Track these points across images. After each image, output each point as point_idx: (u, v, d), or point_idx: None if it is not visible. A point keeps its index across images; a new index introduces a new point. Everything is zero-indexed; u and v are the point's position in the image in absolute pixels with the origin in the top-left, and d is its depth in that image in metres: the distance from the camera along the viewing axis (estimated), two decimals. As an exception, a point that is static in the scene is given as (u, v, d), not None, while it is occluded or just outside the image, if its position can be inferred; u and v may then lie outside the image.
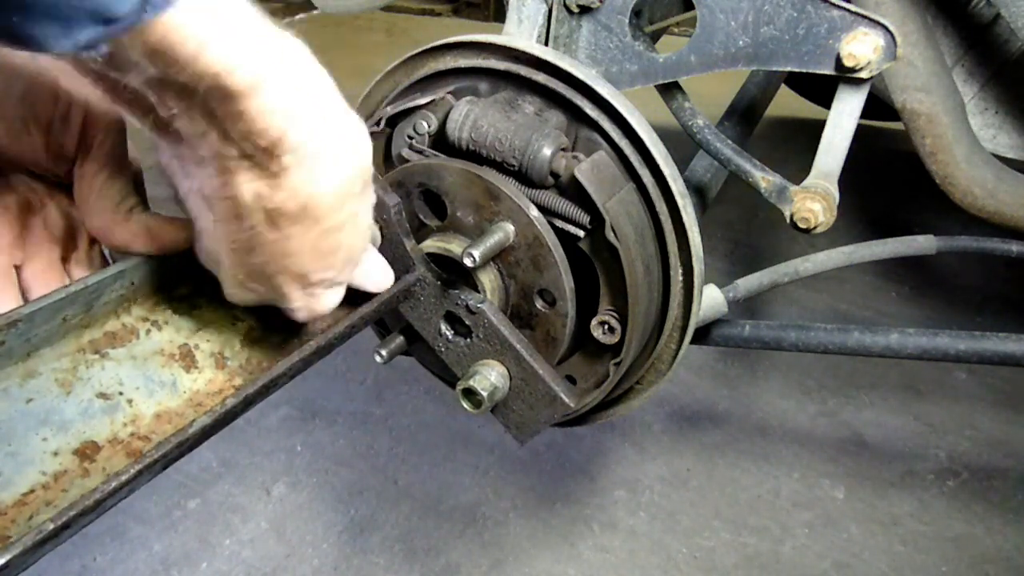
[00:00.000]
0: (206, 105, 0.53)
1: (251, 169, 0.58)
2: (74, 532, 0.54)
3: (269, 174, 0.58)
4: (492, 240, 0.83)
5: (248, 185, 0.58)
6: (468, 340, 0.89)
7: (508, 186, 0.85)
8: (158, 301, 0.74)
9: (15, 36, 0.43)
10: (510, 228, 0.86)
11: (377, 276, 0.78)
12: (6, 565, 0.49)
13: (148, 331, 0.72)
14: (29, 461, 0.59)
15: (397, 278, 0.87)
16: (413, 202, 0.92)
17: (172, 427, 0.65)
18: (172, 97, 0.53)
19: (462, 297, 0.87)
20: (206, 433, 0.63)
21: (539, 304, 0.89)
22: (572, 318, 0.88)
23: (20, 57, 0.63)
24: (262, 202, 0.59)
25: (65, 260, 0.74)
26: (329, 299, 0.70)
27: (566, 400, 0.81)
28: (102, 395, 0.66)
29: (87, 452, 0.62)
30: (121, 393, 0.67)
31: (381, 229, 0.85)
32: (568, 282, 0.86)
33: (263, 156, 0.57)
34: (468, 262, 0.80)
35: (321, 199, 0.61)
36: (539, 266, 0.86)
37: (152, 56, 0.48)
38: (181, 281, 0.75)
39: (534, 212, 0.85)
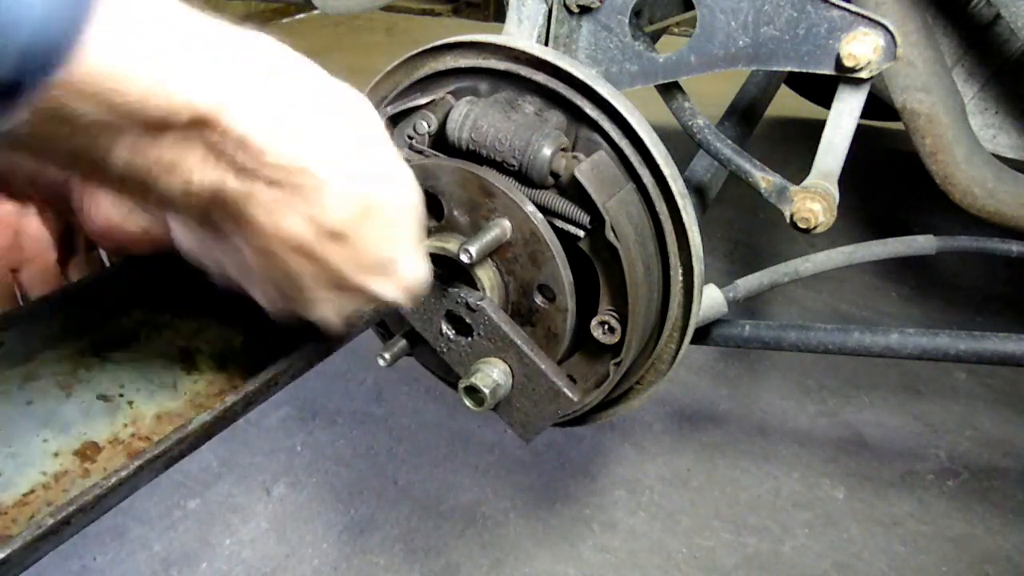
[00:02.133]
0: (196, 142, 0.47)
1: (291, 196, 0.52)
2: (75, 530, 0.54)
3: (311, 193, 0.53)
4: (488, 236, 0.83)
5: (294, 219, 0.53)
6: (469, 339, 0.89)
7: (503, 182, 0.86)
8: (158, 303, 0.74)
9: None
10: (507, 224, 0.86)
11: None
12: (6, 560, 0.49)
13: (148, 333, 0.72)
14: (30, 462, 0.60)
15: None
16: None
17: (173, 428, 0.66)
18: (151, 139, 0.46)
19: (461, 295, 0.87)
20: (207, 431, 0.63)
21: (539, 300, 0.89)
22: (572, 312, 0.88)
23: None
24: (316, 225, 0.54)
25: (63, 264, 0.74)
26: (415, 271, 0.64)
27: (569, 395, 0.81)
28: (103, 397, 0.67)
29: (88, 453, 0.62)
30: (122, 395, 0.68)
31: None
32: (567, 276, 0.86)
33: (290, 176, 0.52)
34: (464, 258, 0.80)
35: (371, 182, 0.56)
36: (537, 261, 0.86)
37: (92, 106, 0.41)
38: (181, 282, 0.75)
39: (530, 207, 0.85)
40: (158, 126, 0.44)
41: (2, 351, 0.62)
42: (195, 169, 0.48)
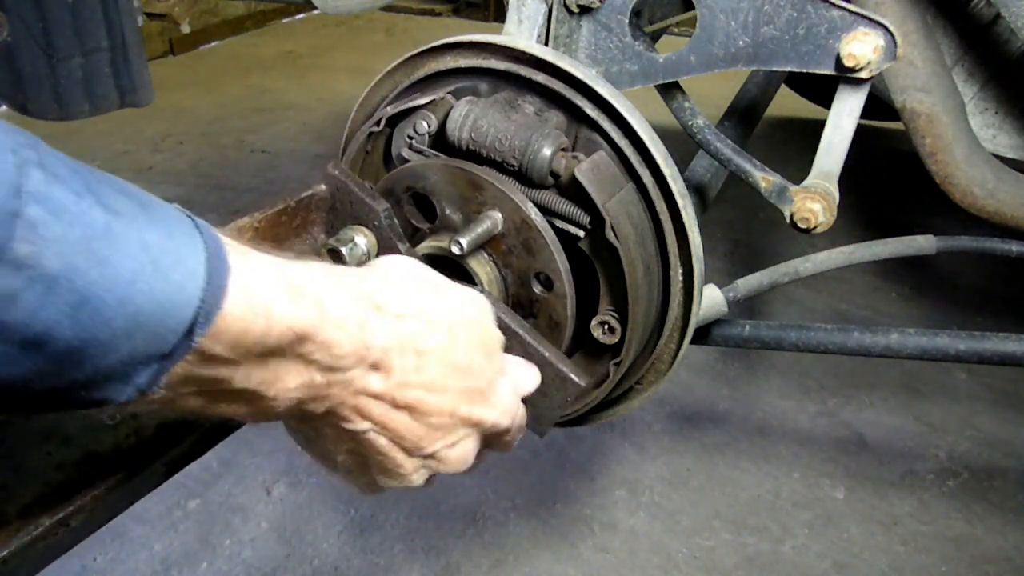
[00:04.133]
0: (292, 358, 0.54)
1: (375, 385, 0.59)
2: (77, 534, 0.54)
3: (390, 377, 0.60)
4: (479, 228, 0.83)
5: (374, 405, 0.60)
6: None
7: (489, 173, 0.85)
8: None
9: (83, 404, 0.45)
10: (497, 216, 0.86)
11: (526, 379, 0.79)
12: (4, 560, 0.49)
13: None
14: (33, 474, 0.60)
15: None
16: (404, 208, 0.92)
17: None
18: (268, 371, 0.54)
19: None
20: (206, 441, 0.63)
21: (537, 289, 0.89)
22: (572, 298, 0.88)
23: None
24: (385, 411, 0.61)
25: None
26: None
27: (576, 379, 0.80)
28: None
29: (91, 463, 0.62)
30: None
31: (374, 236, 0.86)
32: (563, 262, 0.86)
33: (372, 367, 0.58)
34: (455, 249, 0.80)
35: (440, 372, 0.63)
36: (531, 249, 0.86)
37: (227, 351, 0.49)
38: None
39: (519, 195, 0.85)
40: (269, 350, 0.52)
41: None
42: (294, 378, 0.55)
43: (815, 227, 1.03)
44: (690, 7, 1.05)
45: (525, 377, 0.78)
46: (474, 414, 0.67)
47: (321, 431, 0.63)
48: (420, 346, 0.62)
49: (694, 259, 0.91)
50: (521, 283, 0.89)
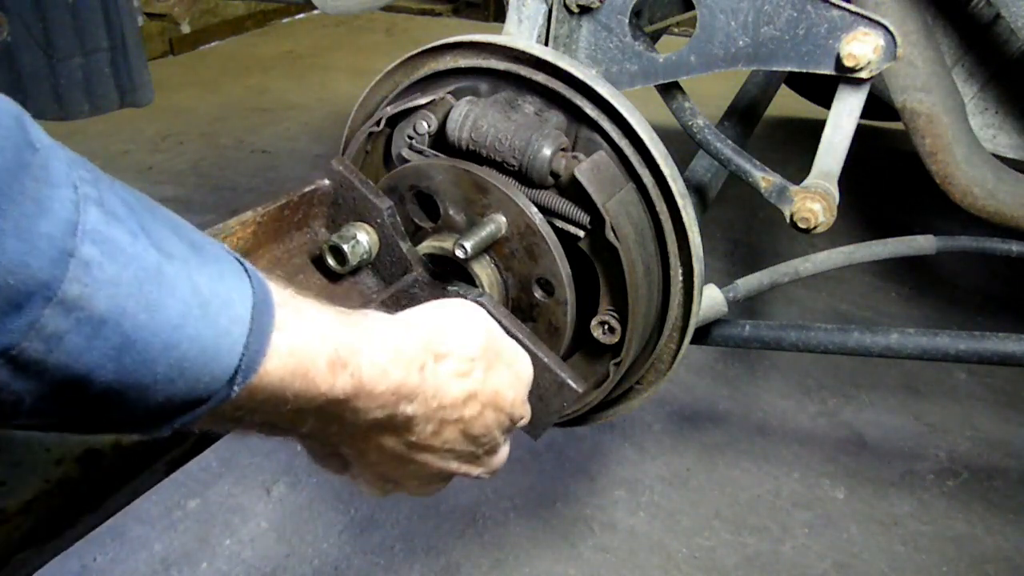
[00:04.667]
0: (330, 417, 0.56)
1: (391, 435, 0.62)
2: (77, 533, 0.54)
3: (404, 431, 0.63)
4: (484, 231, 0.83)
5: (389, 440, 0.63)
6: None
7: (495, 177, 0.85)
8: None
9: (114, 431, 0.47)
10: (501, 219, 0.86)
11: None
12: (4, 559, 0.49)
13: None
14: (32, 471, 0.60)
15: (395, 281, 0.87)
16: (407, 206, 0.92)
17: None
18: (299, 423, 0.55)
19: (460, 293, 0.87)
20: (206, 439, 0.63)
21: (538, 294, 0.89)
22: (572, 305, 0.88)
23: None
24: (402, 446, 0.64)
25: None
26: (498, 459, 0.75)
27: (573, 386, 0.80)
28: None
29: (91, 459, 0.62)
30: None
31: (376, 233, 0.86)
32: (564, 269, 0.86)
33: (392, 422, 0.60)
34: (460, 253, 0.80)
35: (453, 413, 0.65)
36: (534, 255, 0.86)
37: (259, 404, 0.49)
38: None
39: (523, 200, 0.85)
40: (299, 409, 0.52)
41: None
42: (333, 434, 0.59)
43: (815, 227, 1.03)
44: (690, 7, 1.05)
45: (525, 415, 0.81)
46: (460, 470, 0.71)
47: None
48: (447, 417, 0.64)
49: (694, 259, 0.91)
50: (522, 287, 0.89)
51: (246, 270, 0.48)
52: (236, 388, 0.45)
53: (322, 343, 0.51)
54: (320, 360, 0.51)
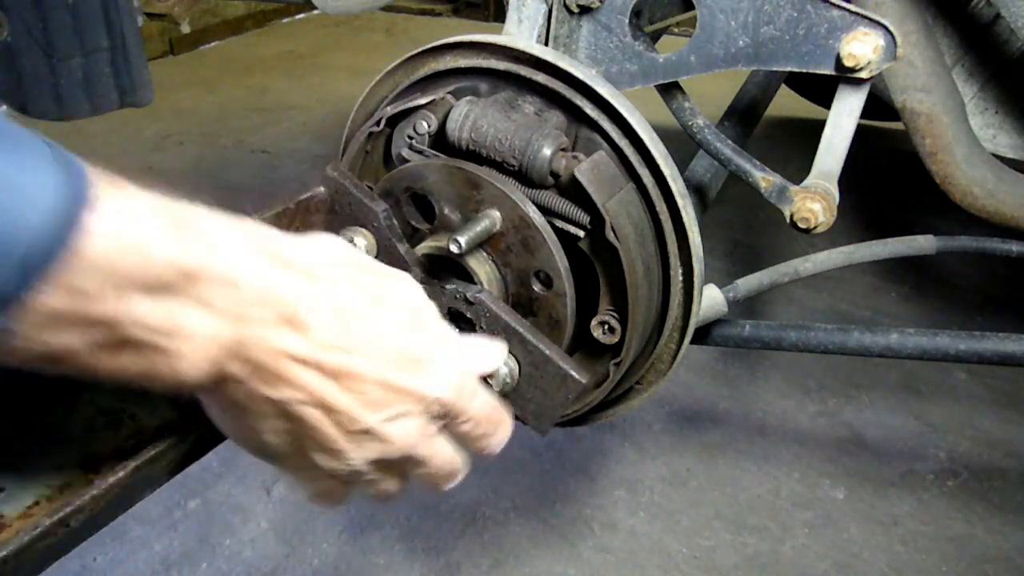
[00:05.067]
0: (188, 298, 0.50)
1: (287, 333, 0.54)
2: (77, 536, 0.54)
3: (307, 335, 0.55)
4: (478, 227, 0.83)
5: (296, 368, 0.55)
6: (472, 334, 0.89)
7: (487, 172, 0.85)
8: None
9: None
10: (496, 214, 0.86)
11: (484, 357, 0.75)
12: (4, 560, 0.49)
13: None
14: (33, 476, 0.60)
15: None
16: (403, 208, 0.92)
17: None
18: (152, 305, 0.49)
19: (459, 290, 0.87)
20: (207, 441, 0.63)
21: (537, 287, 0.89)
22: (571, 296, 0.88)
23: None
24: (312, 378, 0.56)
25: None
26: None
27: (576, 376, 0.80)
28: (105, 413, 0.68)
29: (91, 465, 0.63)
30: (123, 410, 0.68)
31: (373, 237, 0.86)
32: (562, 260, 0.86)
33: (286, 320, 0.54)
34: (454, 248, 0.80)
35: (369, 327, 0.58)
36: (530, 248, 0.86)
37: (96, 287, 0.45)
38: None
39: (517, 194, 0.85)
40: (152, 287, 0.48)
41: None
42: (195, 326, 0.51)
43: (815, 227, 1.03)
44: (690, 7, 1.05)
45: (481, 355, 0.74)
46: (410, 384, 0.60)
47: (245, 407, 0.58)
48: (337, 304, 0.56)
49: (694, 259, 0.91)
50: (521, 282, 0.89)
51: (61, 159, 0.45)
52: (38, 274, 0.42)
53: (161, 213, 0.49)
54: (159, 229, 0.48)
